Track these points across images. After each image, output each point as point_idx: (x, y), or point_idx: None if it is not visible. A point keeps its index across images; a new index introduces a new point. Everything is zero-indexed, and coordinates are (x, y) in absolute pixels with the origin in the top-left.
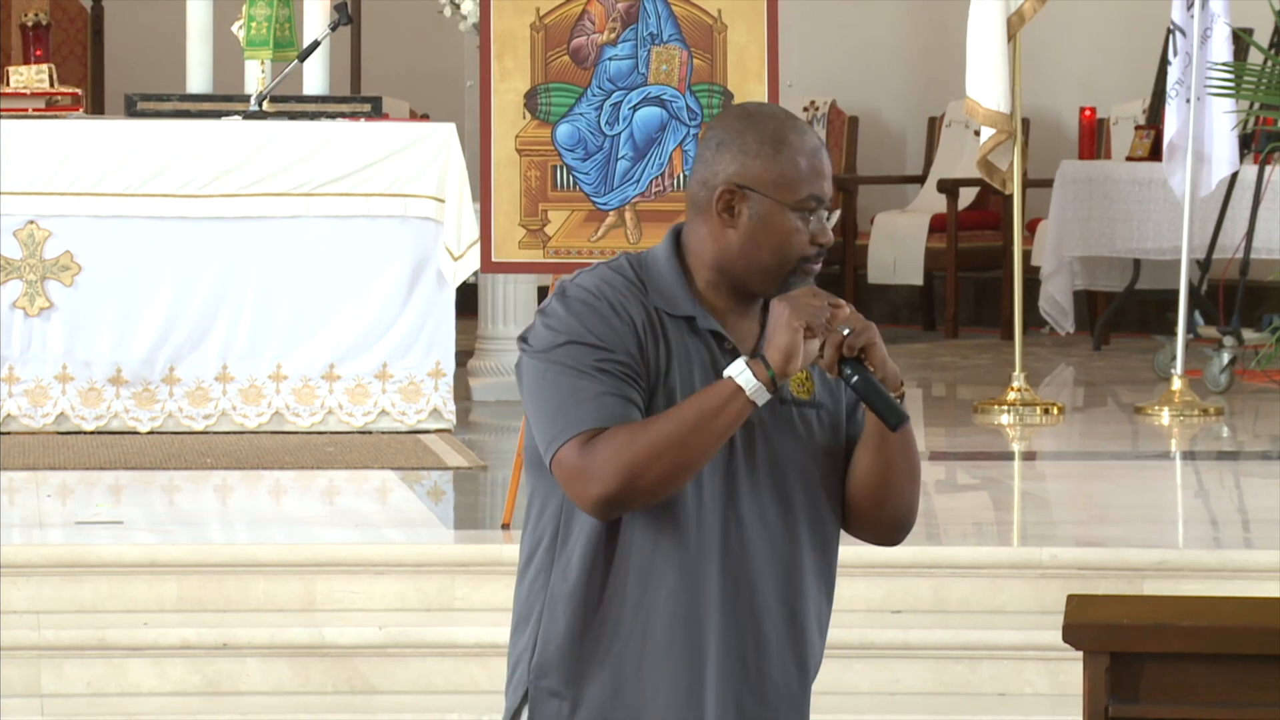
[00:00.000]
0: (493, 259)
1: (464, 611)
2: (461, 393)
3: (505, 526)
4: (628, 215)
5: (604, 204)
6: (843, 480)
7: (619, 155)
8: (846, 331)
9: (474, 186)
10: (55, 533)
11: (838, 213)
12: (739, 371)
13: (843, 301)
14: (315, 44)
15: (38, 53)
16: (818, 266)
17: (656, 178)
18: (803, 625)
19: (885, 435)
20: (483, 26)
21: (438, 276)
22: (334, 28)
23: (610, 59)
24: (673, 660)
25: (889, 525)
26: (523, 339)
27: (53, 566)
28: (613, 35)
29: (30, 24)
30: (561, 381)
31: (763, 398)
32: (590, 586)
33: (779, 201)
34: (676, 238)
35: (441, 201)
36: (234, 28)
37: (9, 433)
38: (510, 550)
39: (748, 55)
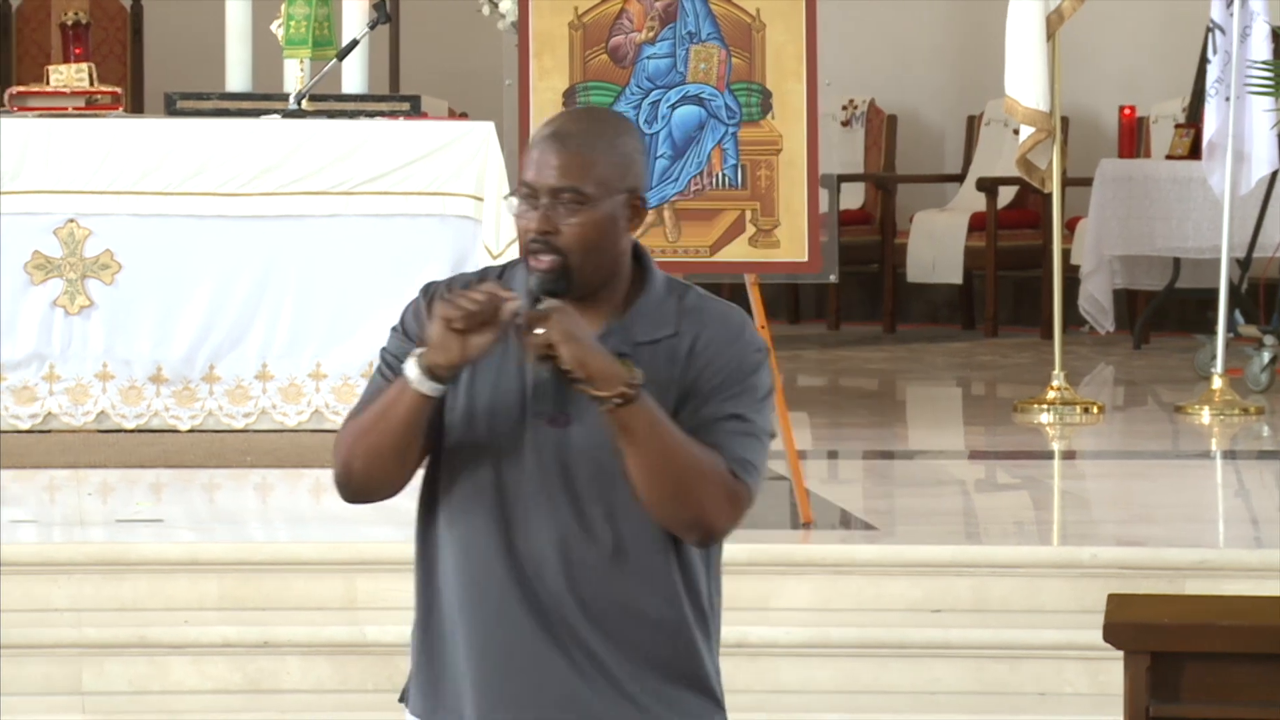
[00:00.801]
0: None
1: None
2: None
3: None
4: (666, 214)
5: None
6: None
7: (657, 154)
8: (539, 331)
9: (513, 185)
10: (96, 531)
11: (586, 208)
12: (408, 364)
13: (507, 295)
14: (354, 43)
15: (77, 51)
16: (544, 259)
17: (695, 176)
18: (614, 619)
19: (621, 434)
20: (521, 25)
21: None
22: (373, 26)
23: (649, 58)
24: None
25: (665, 523)
26: None
27: (94, 564)
28: (651, 34)
29: (70, 23)
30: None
31: (428, 388)
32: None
33: (513, 193)
34: None
35: (480, 200)
36: (273, 26)
37: (50, 431)
38: None
39: (786, 54)
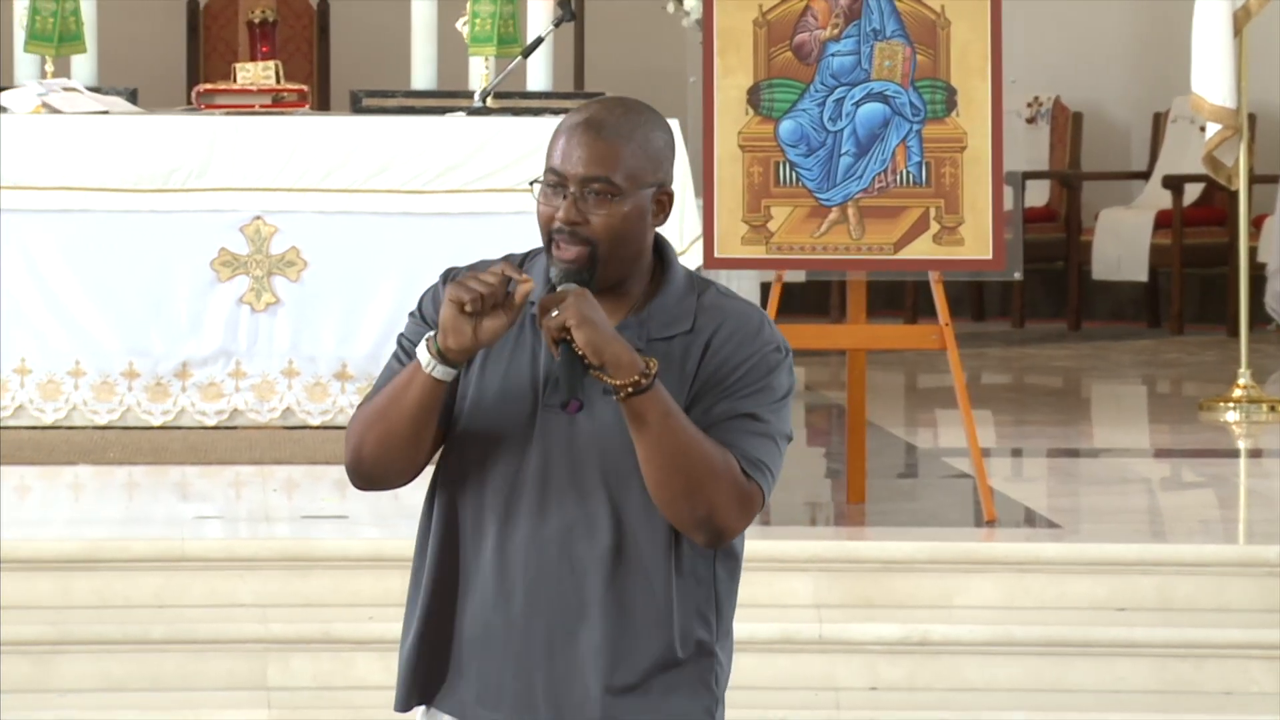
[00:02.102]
0: (715, 255)
1: None
2: None
3: None
4: (850, 211)
5: (827, 200)
6: None
7: (842, 151)
8: (555, 313)
9: (697, 183)
10: (282, 527)
11: (616, 200)
12: (420, 348)
13: (524, 278)
14: (539, 40)
15: (264, 49)
16: (570, 249)
17: (879, 174)
18: (607, 617)
19: (633, 424)
20: (706, 23)
21: None
22: (558, 24)
23: (833, 55)
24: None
25: (675, 521)
26: None
27: (279, 560)
28: (835, 31)
29: (257, 21)
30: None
31: (440, 372)
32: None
33: (538, 179)
34: None
35: None
36: (458, 24)
37: (236, 427)
38: None
39: (971, 51)
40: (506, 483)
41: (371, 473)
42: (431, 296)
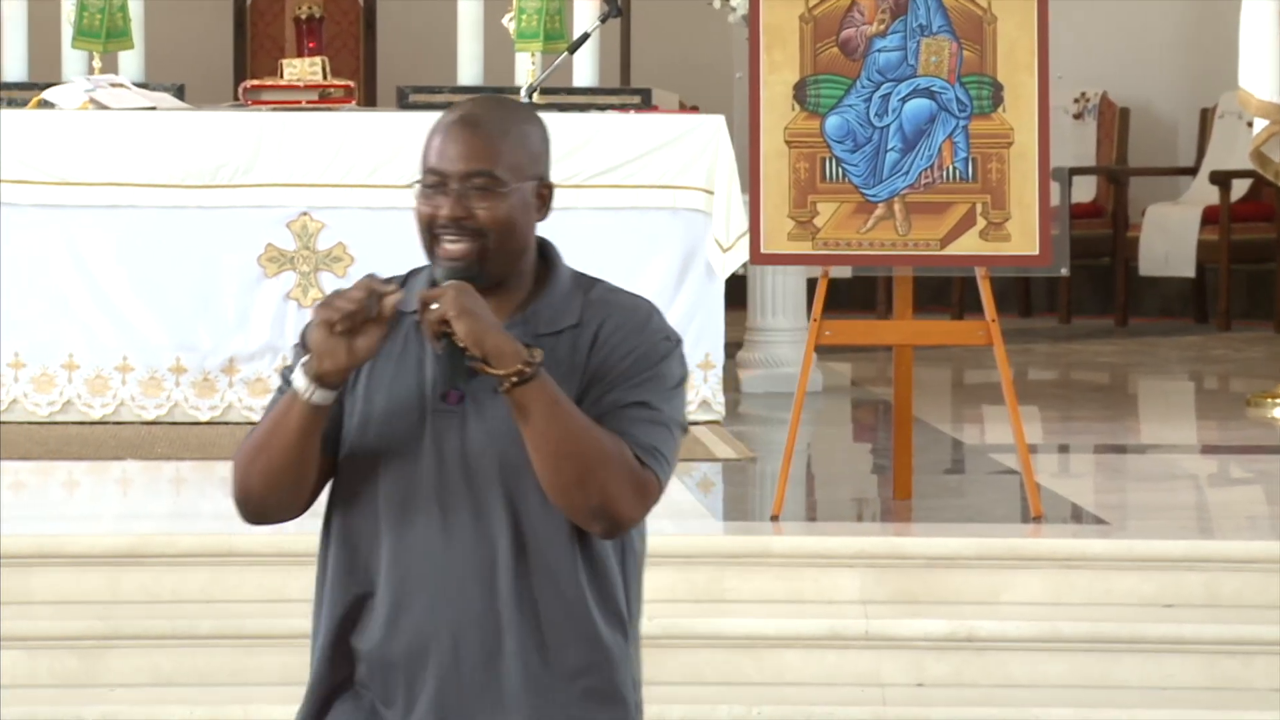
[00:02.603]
0: (762, 250)
1: (734, 603)
2: (730, 384)
3: (775, 518)
4: (896, 207)
5: (873, 196)
6: None
7: (888, 147)
8: (434, 306)
9: (743, 178)
10: None
11: (499, 193)
12: (296, 374)
13: (391, 289)
14: (585, 36)
15: (311, 45)
16: (454, 245)
17: (926, 169)
18: (521, 614)
19: (519, 416)
20: (752, 18)
21: (707, 268)
22: (604, 20)
23: (879, 50)
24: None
25: (570, 511)
26: None
27: None
28: (882, 26)
29: (304, 17)
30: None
31: (319, 396)
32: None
33: (416, 181)
34: None
35: (710, 193)
36: (505, 20)
37: None
38: (780, 542)
39: (1018, 47)
40: (400, 493)
41: (260, 508)
42: (311, 325)
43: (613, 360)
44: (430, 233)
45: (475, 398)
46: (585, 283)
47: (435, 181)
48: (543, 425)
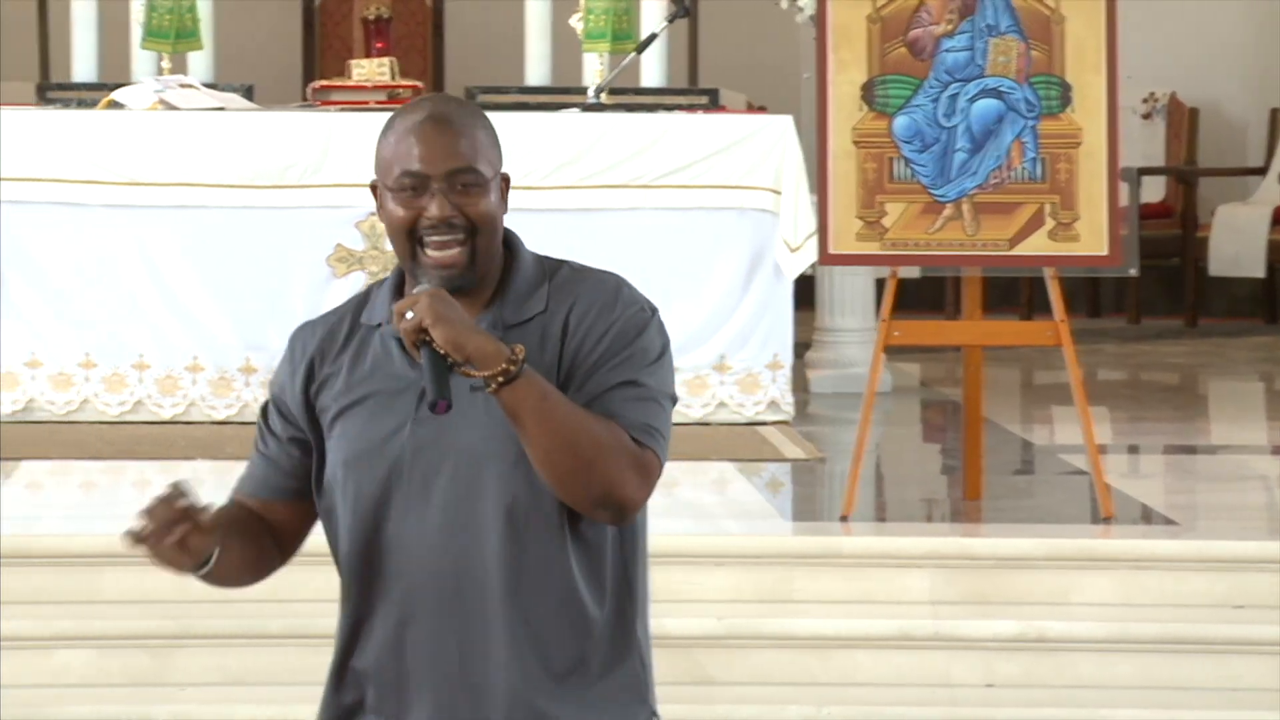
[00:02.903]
0: (830, 251)
1: (802, 603)
2: (799, 385)
3: (844, 519)
4: (965, 207)
5: (942, 196)
6: None
7: (956, 147)
8: (409, 316)
9: (811, 178)
10: None
11: (483, 189)
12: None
13: (428, 291)
14: (653, 36)
15: (379, 45)
16: (444, 253)
17: (994, 169)
18: (520, 618)
19: (511, 415)
20: (820, 19)
21: (775, 269)
22: (672, 20)
23: (947, 50)
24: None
25: (575, 503)
26: None
27: None
28: (950, 26)
29: (372, 17)
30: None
31: (207, 570)
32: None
33: (385, 187)
34: None
35: (778, 194)
36: (572, 20)
37: None
38: (850, 543)
39: (1086, 47)
40: (389, 505)
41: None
42: (284, 361)
43: (589, 343)
44: (413, 237)
45: (455, 399)
46: (550, 266)
47: (414, 184)
48: (535, 421)
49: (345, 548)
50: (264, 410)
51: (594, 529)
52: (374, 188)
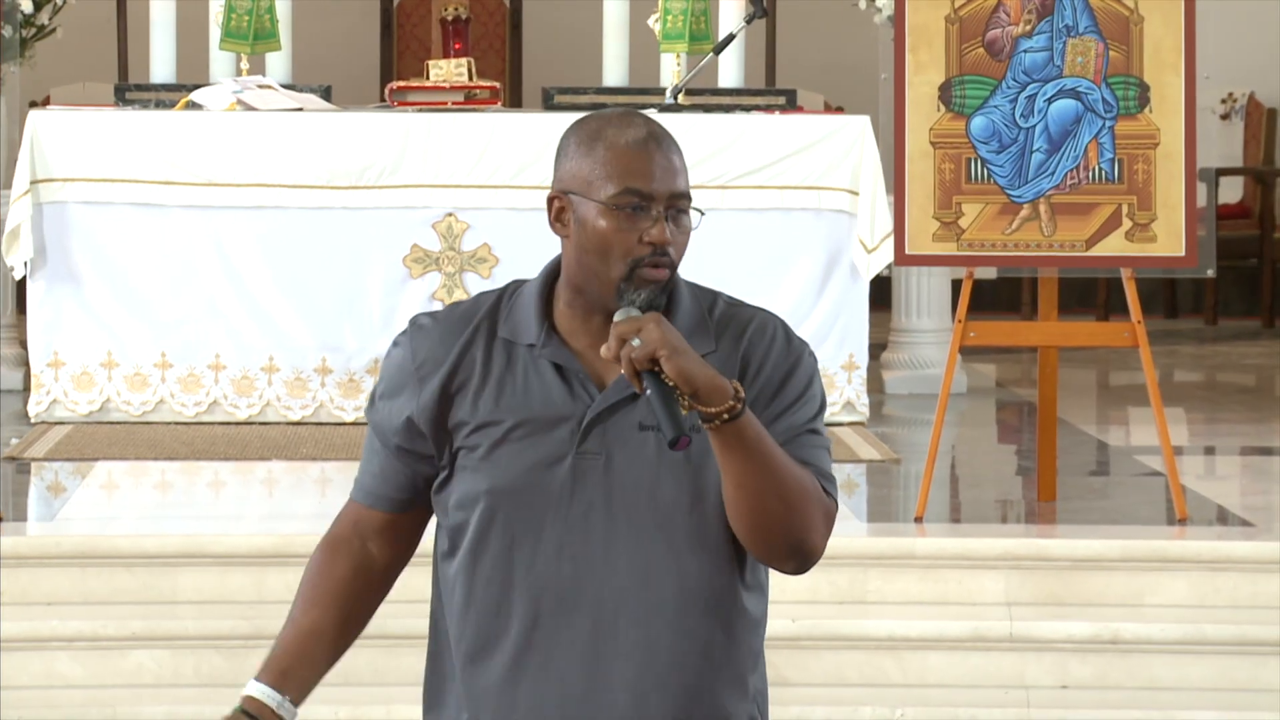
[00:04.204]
0: (906, 251)
1: (876, 604)
2: (875, 385)
3: (919, 520)
4: (1042, 208)
5: (1018, 197)
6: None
7: (1033, 148)
8: (636, 343)
9: (888, 179)
10: None
11: (699, 215)
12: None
13: (652, 316)
14: (731, 37)
15: (457, 46)
16: (661, 272)
17: (1071, 170)
18: (669, 657)
19: (728, 452)
20: (898, 19)
21: (851, 269)
22: (749, 20)
23: (1025, 51)
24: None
25: (767, 550)
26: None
27: None
28: (1028, 27)
29: (450, 18)
30: (368, 434)
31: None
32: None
33: (594, 200)
34: (558, 262)
35: (855, 194)
36: (650, 21)
37: None
38: (924, 544)
39: (1164, 47)
40: (542, 543)
41: None
42: (396, 365)
43: (772, 386)
44: (629, 258)
45: (624, 437)
46: (704, 299)
47: (637, 204)
48: (751, 461)
49: (471, 572)
50: (380, 419)
51: (754, 601)
52: (557, 198)
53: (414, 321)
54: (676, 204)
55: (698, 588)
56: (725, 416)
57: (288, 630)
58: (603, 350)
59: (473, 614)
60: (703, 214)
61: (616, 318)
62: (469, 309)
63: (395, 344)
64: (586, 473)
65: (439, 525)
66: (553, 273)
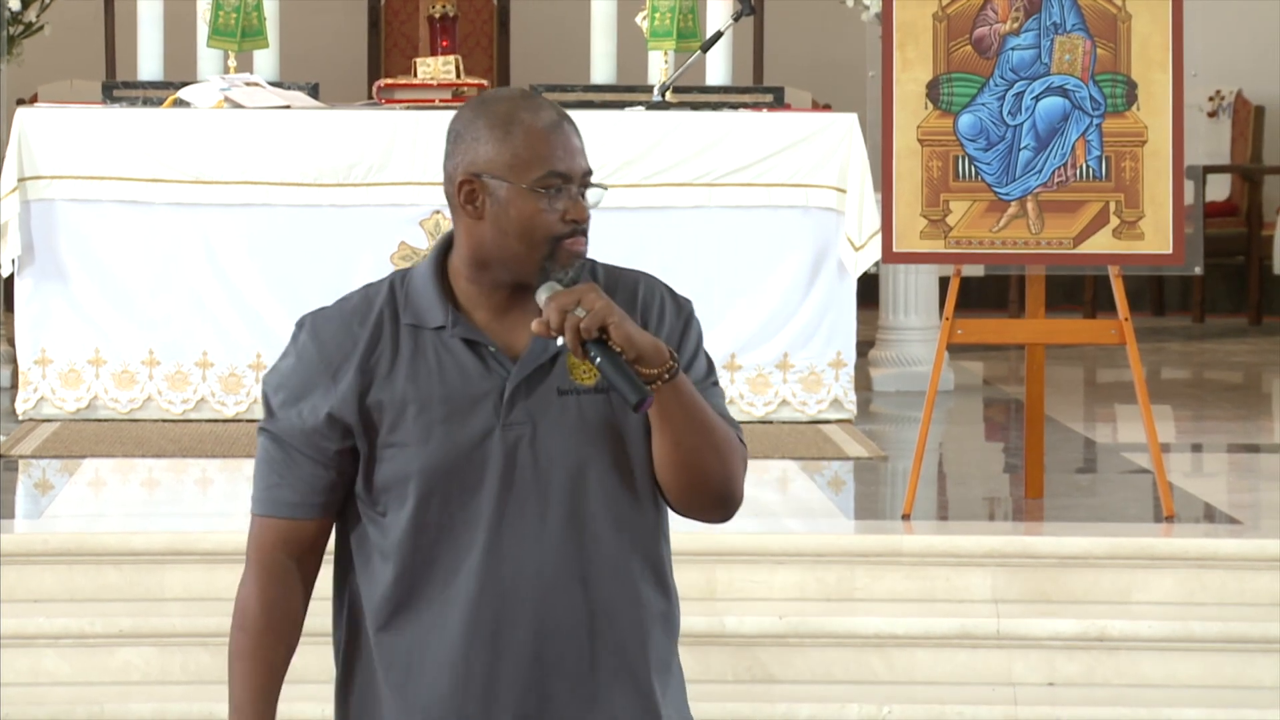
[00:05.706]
0: (894, 249)
1: (864, 602)
2: (862, 383)
3: (906, 517)
4: (1029, 206)
5: (1006, 194)
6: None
7: (1021, 145)
8: (581, 313)
9: (875, 177)
10: None
11: (602, 190)
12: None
13: (589, 286)
14: (718, 35)
15: (444, 44)
16: (582, 246)
17: (1059, 168)
18: (606, 618)
19: (664, 413)
20: (885, 17)
21: (839, 267)
22: (737, 18)
23: (1013, 49)
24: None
25: (701, 504)
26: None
27: None
28: (1015, 25)
29: (437, 16)
30: (267, 450)
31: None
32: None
33: (516, 184)
34: (445, 245)
35: (843, 192)
36: (638, 19)
37: None
38: (911, 541)
39: (1151, 44)
40: (470, 516)
41: None
42: (298, 369)
43: (672, 342)
44: (553, 237)
45: (547, 403)
46: (587, 265)
47: (558, 184)
48: (687, 418)
49: (413, 556)
50: (288, 427)
51: (656, 535)
52: (469, 181)
53: (304, 323)
54: (586, 181)
55: (631, 542)
56: (666, 376)
57: (261, 692)
58: (534, 325)
59: (406, 586)
60: (605, 189)
61: (542, 293)
62: (362, 300)
63: (286, 353)
64: (515, 443)
65: (353, 509)
66: (443, 254)
